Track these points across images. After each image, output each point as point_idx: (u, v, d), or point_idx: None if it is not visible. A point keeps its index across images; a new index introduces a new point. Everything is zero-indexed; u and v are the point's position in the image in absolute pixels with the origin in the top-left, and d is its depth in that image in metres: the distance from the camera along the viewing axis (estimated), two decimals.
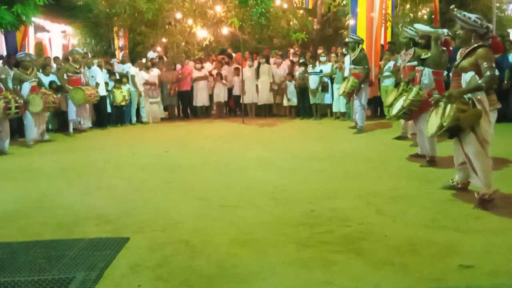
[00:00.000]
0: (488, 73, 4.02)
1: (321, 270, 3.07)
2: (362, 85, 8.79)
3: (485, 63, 4.05)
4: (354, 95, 8.86)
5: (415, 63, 6.66)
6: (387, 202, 4.51)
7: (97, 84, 10.48)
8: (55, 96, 9.07)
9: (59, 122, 10.72)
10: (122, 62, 12.26)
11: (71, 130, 9.96)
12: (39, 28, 12.83)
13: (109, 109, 11.20)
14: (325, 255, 3.30)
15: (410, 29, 7.15)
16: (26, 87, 8.48)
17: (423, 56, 6.03)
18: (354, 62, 8.89)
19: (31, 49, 11.65)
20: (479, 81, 4.04)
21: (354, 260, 3.21)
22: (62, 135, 10.05)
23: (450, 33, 8.94)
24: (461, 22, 4.26)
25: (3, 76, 8.68)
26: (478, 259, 3.14)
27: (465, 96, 4.16)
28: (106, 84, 11.03)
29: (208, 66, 12.71)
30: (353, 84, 8.75)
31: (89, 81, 10.28)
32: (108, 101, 11.04)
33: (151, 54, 13.70)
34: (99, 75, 10.69)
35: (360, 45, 8.93)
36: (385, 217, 4.08)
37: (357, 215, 4.15)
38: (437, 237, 3.55)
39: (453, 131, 4.31)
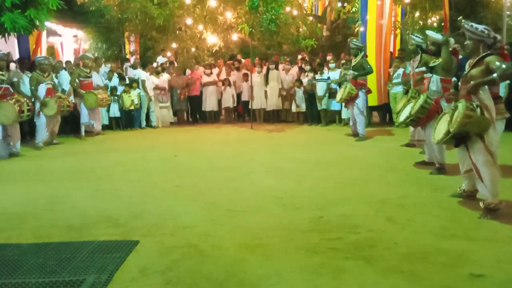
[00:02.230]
0: (503, 66, 3.97)
1: (330, 277, 3.06)
2: (360, 92, 8.79)
3: (497, 62, 4.03)
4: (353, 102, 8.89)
5: (423, 68, 6.65)
6: (396, 209, 4.49)
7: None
8: (69, 100, 9.19)
9: (70, 125, 10.83)
10: (133, 67, 12.39)
11: (83, 133, 10.09)
12: (51, 32, 12.98)
13: (118, 114, 11.32)
14: (334, 261, 3.29)
15: (417, 36, 7.16)
16: (42, 89, 8.63)
17: (431, 64, 6.02)
18: (354, 68, 8.93)
19: (43, 53, 11.78)
20: (494, 75, 4.01)
21: (364, 267, 3.20)
22: (73, 138, 10.15)
23: (456, 45, 8.94)
24: (468, 32, 4.26)
25: (15, 80, 8.80)
26: (489, 268, 3.11)
27: (473, 103, 4.15)
28: (115, 88, 11.12)
29: (215, 71, 12.77)
30: (350, 91, 8.76)
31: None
32: (117, 105, 11.18)
33: (160, 59, 13.81)
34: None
35: (363, 52, 8.96)
36: (395, 224, 4.06)
37: (366, 222, 4.13)
38: (447, 246, 3.52)
39: (460, 139, 4.29)
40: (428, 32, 6.12)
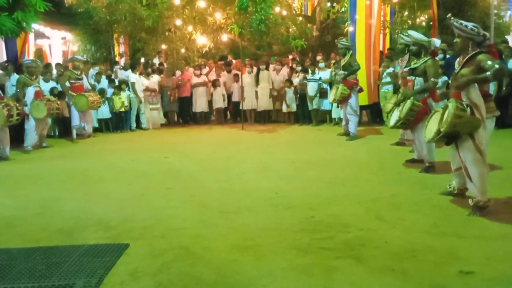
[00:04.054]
0: (496, 66, 3.97)
1: (321, 276, 3.07)
2: (352, 92, 8.82)
3: (489, 61, 4.04)
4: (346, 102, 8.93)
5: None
6: (387, 208, 4.51)
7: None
8: (58, 102, 9.15)
9: (60, 128, 10.76)
10: (124, 68, 12.33)
11: (74, 136, 10.02)
12: (39, 35, 12.86)
13: (108, 115, 11.26)
14: (325, 261, 3.30)
15: (405, 35, 7.21)
16: (30, 92, 8.55)
17: (412, 65, 6.07)
18: (343, 68, 8.96)
19: (31, 56, 11.68)
20: (487, 73, 4.00)
21: (355, 266, 3.21)
22: (64, 141, 10.08)
23: (443, 44, 9.01)
24: (457, 30, 4.29)
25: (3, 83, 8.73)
26: (478, 265, 3.14)
27: (463, 102, 4.18)
28: (104, 90, 11.05)
29: (205, 71, 12.74)
30: (343, 92, 8.79)
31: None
32: (106, 107, 11.13)
33: (156, 61, 13.78)
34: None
35: (351, 51, 9.01)
36: (385, 223, 4.08)
37: (357, 221, 4.15)
38: (437, 243, 3.55)
39: (450, 137, 4.33)
40: (410, 32, 6.18)
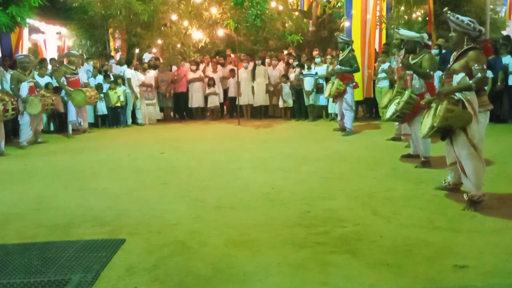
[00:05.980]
0: (479, 75, 4.07)
1: (317, 271, 3.08)
2: (347, 88, 8.82)
3: (476, 65, 4.10)
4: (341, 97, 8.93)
5: None
6: (382, 203, 4.53)
7: None
8: (53, 98, 9.10)
9: (56, 124, 10.72)
10: (119, 63, 12.28)
11: (70, 131, 9.98)
12: (34, 30, 12.81)
13: (105, 111, 11.22)
14: (321, 256, 3.31)
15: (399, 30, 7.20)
16: (24, 87, 8.50)
17: (410, 61, 6.06)
18: (341, 62, 8.93)
19: (25, 51, 11.62)
20: (470, 82, 4.09)
21: (350, 260, 3.23)
22: (60, 136, 10.04)
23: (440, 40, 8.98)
24: (453, 24, 4.30)
25: None
26: (472, 259, 3.16)
27: (455, 96, 4.20)
28: (100, 86, 11.01)
29: (201, 67, 12.70)
30: (338, 87, 8.77)
31: None
32: (104, 103, 11.10)
33: (146, 56, 13.71)
34: None
35: (350, 46, 8.98)
36: (380, 217, 4.10)
37: (353, 216, 4.16)
38: (432, 238, 3.57)
39: (445, 132, 4.35)
40: (401, 31, 6.16)
